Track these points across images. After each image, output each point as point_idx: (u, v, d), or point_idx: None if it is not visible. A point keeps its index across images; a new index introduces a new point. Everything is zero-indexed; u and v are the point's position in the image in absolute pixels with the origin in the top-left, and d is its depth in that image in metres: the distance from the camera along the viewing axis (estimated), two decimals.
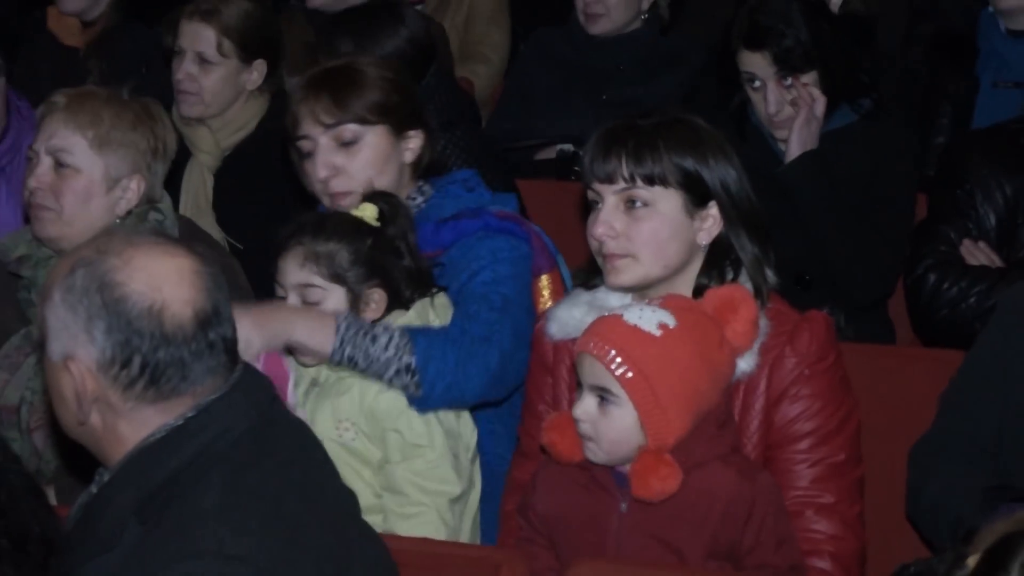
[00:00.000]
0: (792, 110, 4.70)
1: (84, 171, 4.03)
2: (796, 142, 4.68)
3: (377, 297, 3.65)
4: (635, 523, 3.34)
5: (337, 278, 3.57)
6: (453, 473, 3.62)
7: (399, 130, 3.94)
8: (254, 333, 3.51)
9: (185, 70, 4.91)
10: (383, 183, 3.88)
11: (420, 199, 3.98)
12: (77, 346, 2.75)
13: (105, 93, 4.18)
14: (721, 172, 3.51)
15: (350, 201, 3.83)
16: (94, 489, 2.89)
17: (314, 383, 3.64)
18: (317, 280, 3.57)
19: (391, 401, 3.60)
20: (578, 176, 5.29)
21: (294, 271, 3.60)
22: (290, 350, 3.66)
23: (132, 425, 2.77)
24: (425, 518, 3.57)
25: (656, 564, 3.31)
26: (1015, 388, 3.55)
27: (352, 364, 3.59)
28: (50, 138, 4.05)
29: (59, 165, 4.04)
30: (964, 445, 3.59)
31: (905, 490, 3.70)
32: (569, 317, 3.56)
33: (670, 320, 3.29)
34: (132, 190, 4.08)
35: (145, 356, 2.72)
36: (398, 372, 3.61)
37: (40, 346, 2.88)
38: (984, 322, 3.94)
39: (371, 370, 3.60)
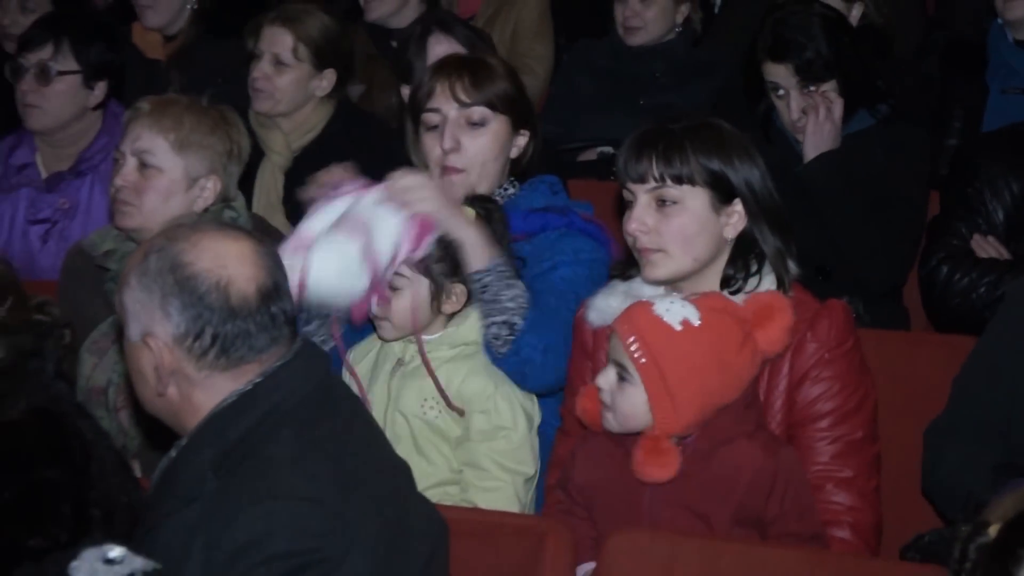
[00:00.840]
0: None
1: (166, 171, 4.06)
2: (810, 144, 4.68)
3: (459, 291, 3.64)
4: (667, 494, 3.35)
5: (425, 270, 3.57)
6: (531, 455, 3.63)
7: (515, 126, 3.95)
8: (438, 195, 3.60)
9: (262, 70, 4.93)
10: (491, 170, 3.90)
11: (511, 190, 3.99)
12: (154, 323, 2.82)
13: (186, 100, 4.20)
14: (745, 171, 3.52)
15: (459, 179, 3.86)
16: (173, 453, 2.93)
17: (399, 363, 3.64)
18: (405, 271, 3.56)
19: (480, 385, 3.60)
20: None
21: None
22: (372, 323, 3.69)
23: (206, 393, 2.84)
24: (503, 494, 3.58)
25: (687, 532, 3.32)
26: (1020, 373, 3.55)
27: (481, 290, 3.63)
28: (135, 140, 4.08)
29: (143, 165, 4.06)
30: (975, 426, 3.59)
31: (920, 466, 3.70)
32: (606, 306, 3.58)
33: (695, 318, 3.32)
34: (209, 189, 4.10)
35: (215, 328, 2.80)
36: (503, 323, 3.64)
37: (120, 331, 2.96)
38: (993, 310, 3.95)
39: (487, 306, 3.64)
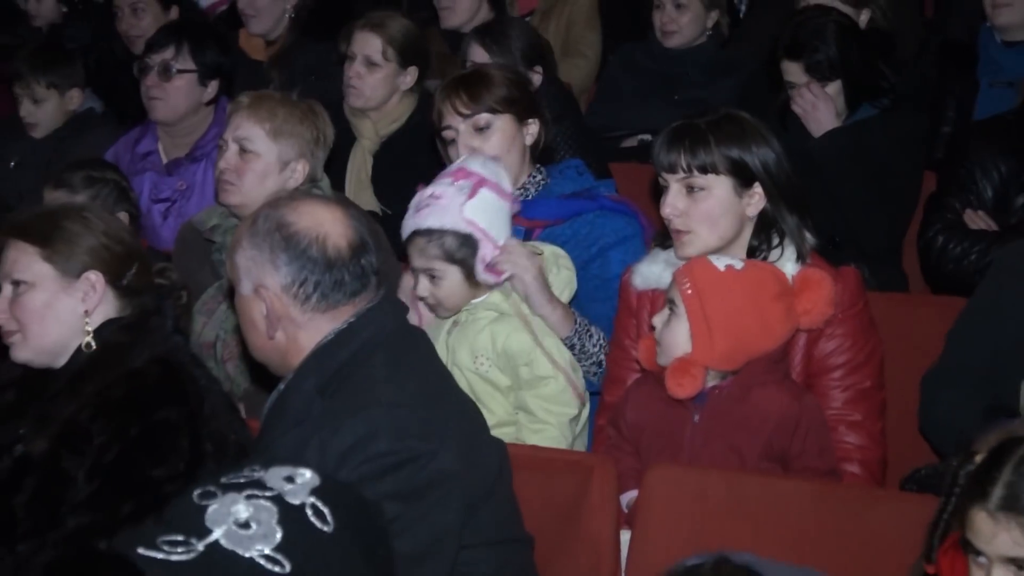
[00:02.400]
0: None
1: (262, 155, 4.07)
2: (812, 126, 4.71)
3: (489, 251, 3.61)
4: (705, 430, 3.39)
5: (451, 260, 3.57)
6: (573, 398, 3.62)
7: (521, 118, 3.95)
8: (536, 273, 3.62)
9: (355, 70, 4.92)
10: (510, 162, 3.87)
11: (540, 178, 3.99)
12: (265, 276, 2.92)
13: (279, 95, 4.23)
14: (763, 156, 3.54)
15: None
16: (282, 387, 3.01)
17: (455, 323, 3.65)
18: (436, 264, 3.58)
19: (521, 343, 3.60)
20: None
21: (417, 258, 3.61)
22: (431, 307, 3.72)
23: (309, 333, 2.93)
24: (549, 433, 3.58)
25: (721, 465, 3.34)
26: (1007, 328, 3.55)
27: (571, 348, 3.68)
28: (236, 129, 4.10)
29: (243, 151, 4.08)
30: (965, 373, 3.60)
31: (918, 409, 3.72)
32: (649, 272, 3.62)
33: (738, 265, 3.39)
34: (299, 171, 4.11)
35: (317, 277, 2.91)
36: (593, 363, 3.72)
37: (231, 290, 3.04)
38: (982, 275, 3.96)
39: (577, 354, 3.69)
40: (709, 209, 3.52)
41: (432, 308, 3.69)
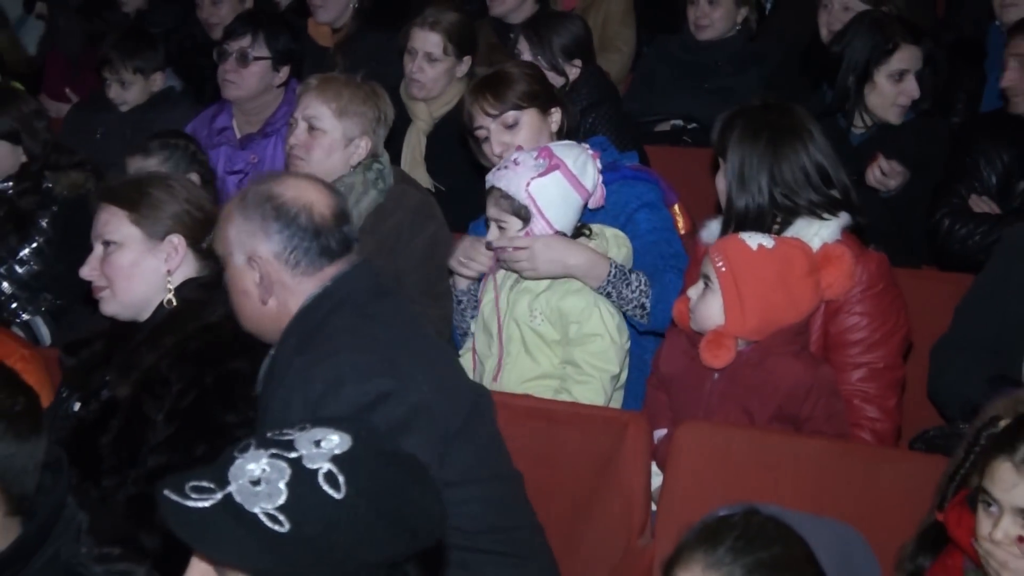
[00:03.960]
0: None
1: (328, 132, 4.05)
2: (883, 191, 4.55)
3: (539, 227, 3.58)
4: (723, 389, 3.35)
5: (517, 214, 3.55)
6: (616, 357, 3.59)
7: (544, 109, 3.92)
8: (541, 253, 3.55)
9: (417, 64, 4.88)
10: None
11: None
12: (257, 244, 2.90)
13: (344, 77, 4.22)
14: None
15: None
16: (273, 352, 2.98)
17: (517, 280, 3.62)
18: (504, 216, 3.56)
19: (575, 302, 3.56)
20: (686, 143, 5.29)
21: (491, 208, 3.60)
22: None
23: (295, 297, 2.91)
24: (592, 386, 3.54)
25: (735, 422, 3.32)
26: (1012, 303, 3.50)
27: (607, 296, 3.61)
28: (305, 108, 4.08)
29: (311, 128, 4.07)
30: (972, 344, 3.55)
31: (927, 376, 3.67)
32: (713, 231, 3.57)
33: (768, 243, 3.32)
34: (362, 147, 4.09)
35: (306, 243, 2.89)
36: (635, 307, 3.62)
37: (223, 264, 2.98)
38: (986, 254, 3.93)
39: (617, 302, 3.62)
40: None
41: (498, 258, 3.66)
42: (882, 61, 4.46)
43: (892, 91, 4.49)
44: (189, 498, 1.95)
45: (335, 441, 1.97)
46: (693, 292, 3.36)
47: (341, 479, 1.93)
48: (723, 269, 3.28)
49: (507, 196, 3.56)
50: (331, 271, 2.91)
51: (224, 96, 4.93)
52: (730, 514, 2.04)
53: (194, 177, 4.12)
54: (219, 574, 1.99)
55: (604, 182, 3.74)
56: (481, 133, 3.93)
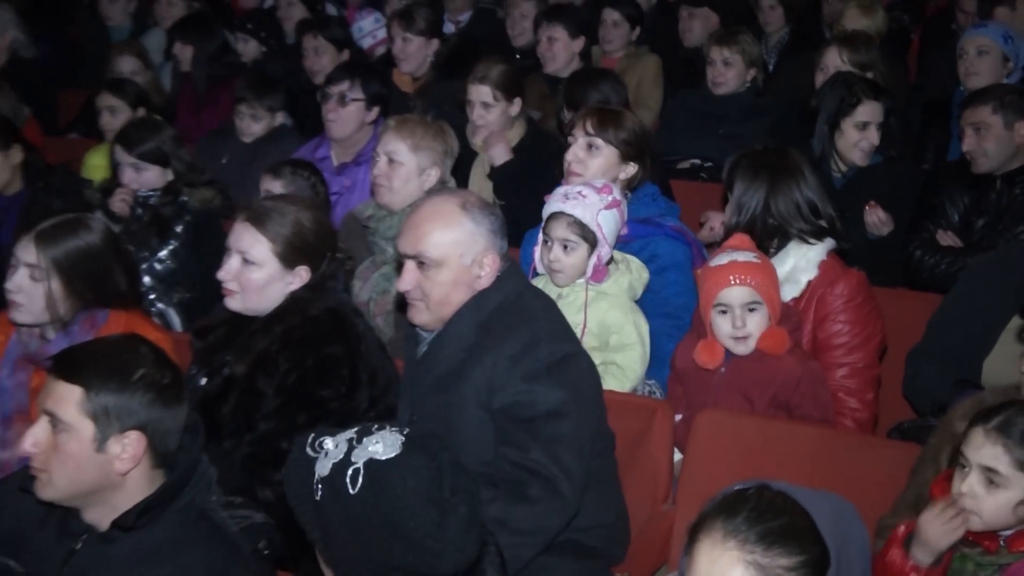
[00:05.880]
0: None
1: (405, 164, 4.02)
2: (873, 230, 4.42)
3: (604, 252, 3.53)
4: (728, 380, 3.33)
5: (585, 239, 3.47)
6: (642, 361, 3.52)
7: (624, 158, 3.82)
8: None
9: (477, 112, 4.83)
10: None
11: (624, 203, 3.82)
12: (489, 247, 2.90)
13: (418, 117, 4.20)
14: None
15: (576, 180, 3.74)
16: (431, 335, 2.96)
17: (559, 296, 3.49)
18: (573, 237, 3.47)
19: (616, 316, 3.46)
20: (702, 179, 5.25)
21: (558, 229, 3.49)
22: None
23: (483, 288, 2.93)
24: (623, 384, 3.48)
25: (735, 410, 3.30)
26: (973, 319, 3.47)
27: None
28: (386, 144, 4.05)
29: (391, 161, 4.03)
30: (941, 353, 3.51)
31: (903, 378, 3.62)
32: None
33: (752, 255, 3.33)
34: (433, 176, 4.04)
35: (499, 247, 2.93)
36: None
37: (438, 265, 2.89)
38: (951, 279, 3.90)
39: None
40: None
41: (553, 273, 3.55)
42: (848, 113, 4.40)
43: (856, 137, 4.42)
44: (305, 450, 1.98)
45: (378, 449, 1.95)
46: (751, 324, 3.29)
47: (360, 479, 1.92)
48: (753, 283, 3.27)
49: (579, 223, 3.45)
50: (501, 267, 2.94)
51: (329, 135, 4.89)
52: (745, 488, 2.02)
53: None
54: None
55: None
56: (571, 140, 3.86)
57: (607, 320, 3.50)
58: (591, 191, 3.50)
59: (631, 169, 3.83)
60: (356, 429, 1.99)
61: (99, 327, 3.22)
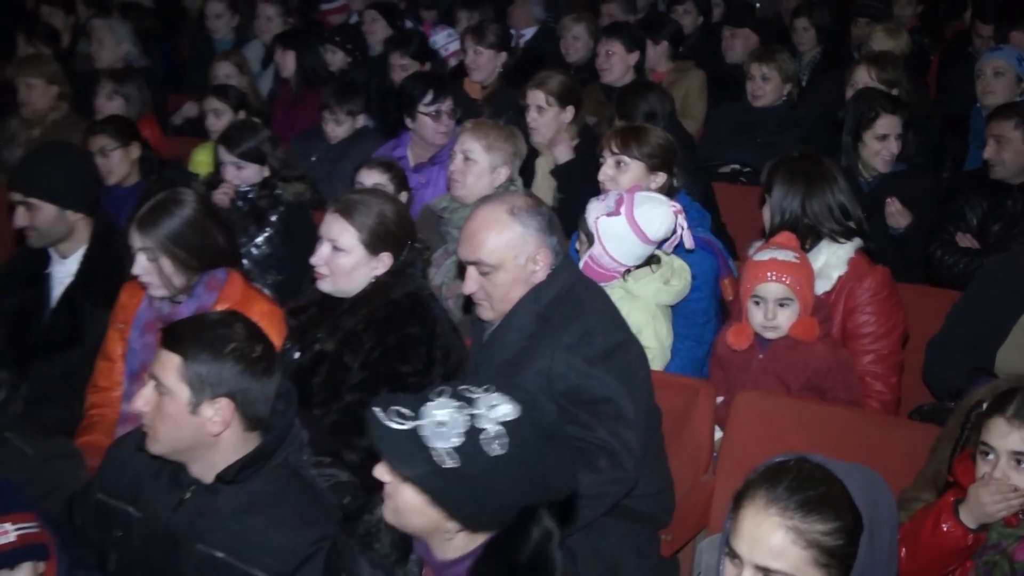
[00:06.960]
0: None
1: (479, 162, 4.01)
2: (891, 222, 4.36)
3: (596, 253, 3.46)
4: (766, 365, 3.31)
5: (588, 236, 3.42)
6: (662, 359, 3.45)
7: (652, 169, 3.75)
8: None
9: (531, 115, 4.79)
10: None
11: None
12: (540, 244, 2.85)
13: (491, 121, 4.19)
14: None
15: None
16: (496, 323, 2.93)
17: None
18: (583, 235, 3.44)
19: (637, 318, 3.33)
20: (741, 183, 5.20)
21: (582, 225, 3.48)
22: None
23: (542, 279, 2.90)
24: None
25: (777, 392, 3.26)
26: (989, 313, 3.41)
27: None
28: (462, 144, 4.04)
29: (466, 159, 4.02)
30: (958, 343, 3.46)
31: (923, 365, 3.57)
32: (755, 249, 3.52)
33: (793, 254, 3.30)
34: (503, 174, 4.04)
35: (550, 243, 2.87)
36: None
37: (496, 268, 2.85)
38: (968, 277, 3.85)
39: None
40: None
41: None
42: (868, 126, 4.36)
43: (877, 147, 4.37)
44: (390, 419, 1.95)
45: (506, 409, 1.94)
46: (782, 318, 3.25)
47: (505, 439, 1.91)
48: (789, 282, 3.23)
49: (584, 220, 3.45)
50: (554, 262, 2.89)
51: (435, 142, 4.81)
52: (786, 460, 1.99)
53: (403, 196, 4.13)
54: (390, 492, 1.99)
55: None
56: (601, 160, 3.83)
57: (630, 320, 3.40)
58: (610, 195, 3.46)
59: (660, 179, 3.75)
60: (453, 396, 1.95)
61: (222, 286, 3.28)
